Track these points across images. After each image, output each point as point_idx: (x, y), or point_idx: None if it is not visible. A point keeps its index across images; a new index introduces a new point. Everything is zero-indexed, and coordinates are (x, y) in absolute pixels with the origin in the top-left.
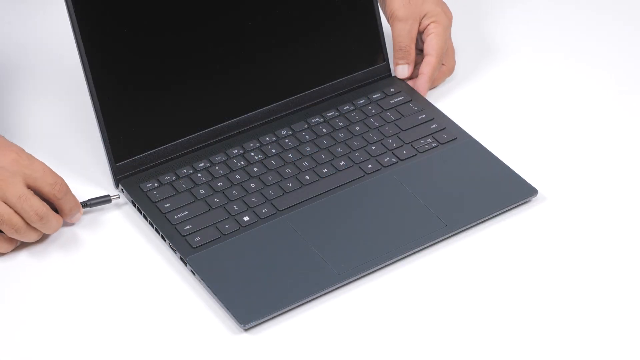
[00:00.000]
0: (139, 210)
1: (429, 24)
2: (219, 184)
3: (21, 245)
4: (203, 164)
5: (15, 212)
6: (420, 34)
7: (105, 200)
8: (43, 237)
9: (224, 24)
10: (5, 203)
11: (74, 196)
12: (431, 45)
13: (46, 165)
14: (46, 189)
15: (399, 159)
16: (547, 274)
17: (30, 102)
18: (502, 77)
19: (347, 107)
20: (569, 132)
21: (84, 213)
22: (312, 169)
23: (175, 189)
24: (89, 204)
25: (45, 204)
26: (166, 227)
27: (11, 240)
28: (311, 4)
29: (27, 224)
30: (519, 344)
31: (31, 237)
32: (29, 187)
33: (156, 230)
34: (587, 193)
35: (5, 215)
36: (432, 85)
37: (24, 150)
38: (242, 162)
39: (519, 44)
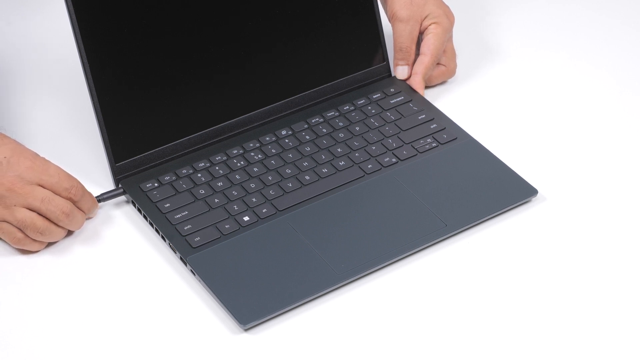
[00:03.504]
0: (139, 210)
1: (429, 25)
2: (219, 184)
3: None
4: (203, 164)
5: (42, 214)
6: (421, 34)
7: (118, 193)
8: None
9: (224, 24)
10: (29, 208)
11: (90, 194)
12: (427, 45)
13: (61, 169)
14: (63, 194)
15: (399, 159)
16: (547, 274)
17: (30, 102)
18: (502, 77)
19: (347, 107)
20: (569, 132)
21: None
22: (312, 169)
23: (175, 189)
24: (101, 198)
25: (68, 201)
26: (166, 227)
27: (40, 241)
28: (311, 4)
29: (51, 224)
30: (519, 344)
31: (57, 236)
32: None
33: (156, 230)
34: (587, 193)
35: (27, 220)
36: (428, 84)
37: (37, 155)
38: (242, 162)
39: (519, 44)
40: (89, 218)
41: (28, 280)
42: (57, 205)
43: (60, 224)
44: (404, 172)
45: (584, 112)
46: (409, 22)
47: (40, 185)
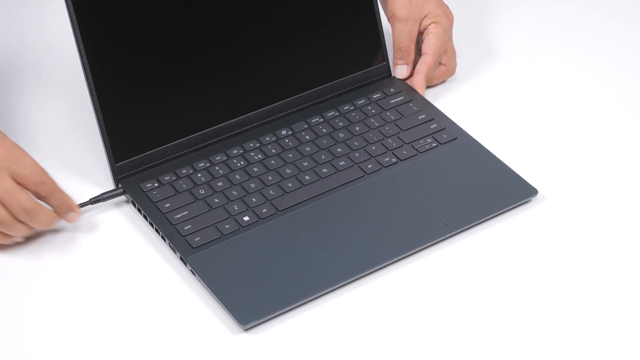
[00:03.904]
0: (139, 210)
1: (429, 25)
2: (219, 184)
3: (18, 246)
4: (203, 164)
5: (3, 205)
6: (420, 34)
7: (118, 193)
8: (41, 236)
9: (224, 24)
10: None
11: (63, 195)
12: (429, 44)
13: (37, 164)
14: (31, 187)
15: (399, 159)
16: (547, 274)
17: (30, 102)
18: (502, 77)
19: (347, 107)
20: (570, 132)
21: (90, 210)
22: (312, 169)
23: (175, 189)
24: (101, 198)
25: (33, 199)
26: (166, 227)
27: (6, 234)
28: (311, 4)
29: (14, 218)
30: (519, 344)
31: (19, 230)
32: (16, 183)
33: (156, 230)
34: (587, 193)
35: None
36: (429, 84)
37: (16, 146)
38: (242, 162)
39: (519, 44)
40: (73, 223)
41: (28, 280)
42: (18, 201)
43: (20, 219)
44: (404, 172)
45: (584, 112)
46: (408, 21)
47: (11, 175)
